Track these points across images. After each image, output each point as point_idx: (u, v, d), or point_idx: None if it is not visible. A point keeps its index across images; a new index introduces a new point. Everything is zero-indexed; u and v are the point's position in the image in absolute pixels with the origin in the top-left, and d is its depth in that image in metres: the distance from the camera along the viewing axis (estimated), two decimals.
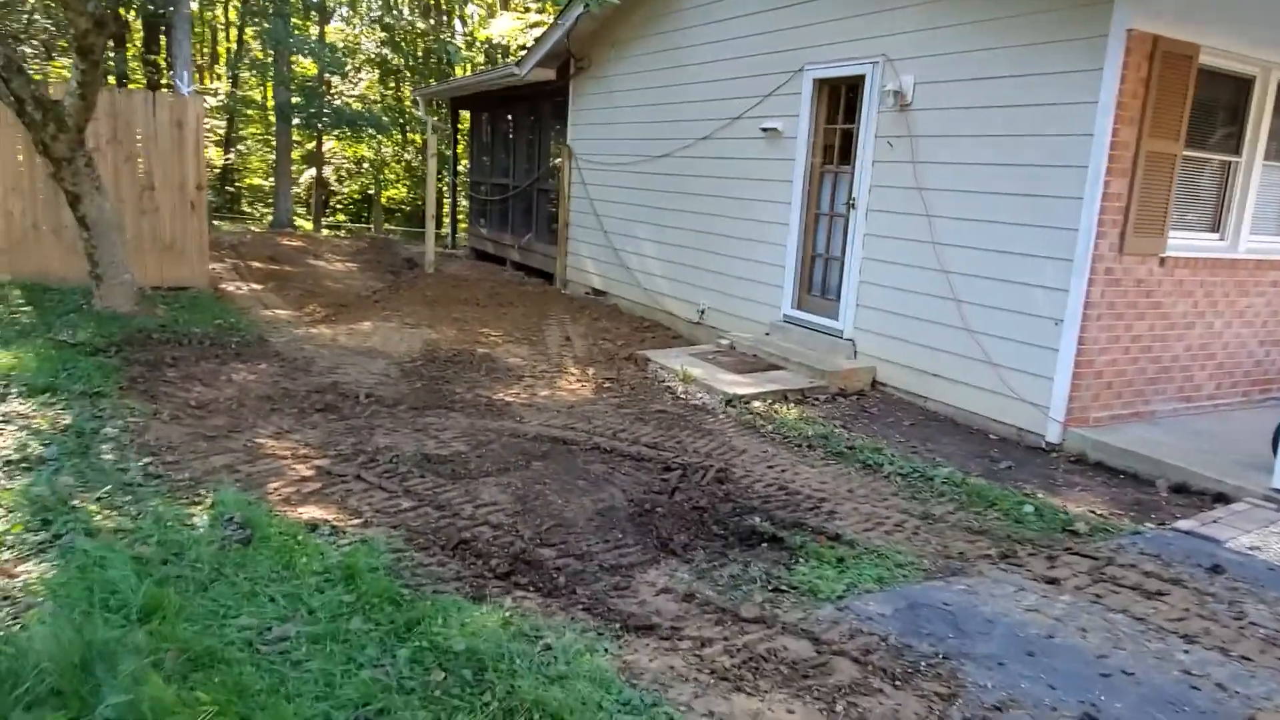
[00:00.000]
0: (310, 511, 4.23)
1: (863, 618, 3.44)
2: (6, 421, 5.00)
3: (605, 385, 7.16)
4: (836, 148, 7.65)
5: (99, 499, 4.05)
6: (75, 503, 3.97)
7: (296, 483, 4.59)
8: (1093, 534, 4.49)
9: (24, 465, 4.38)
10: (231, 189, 28.66)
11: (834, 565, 3.89)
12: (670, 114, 9.62)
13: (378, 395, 6.39)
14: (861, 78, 7.10)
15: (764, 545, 4.09)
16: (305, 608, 3.20)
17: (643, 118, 10.18)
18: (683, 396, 6.89)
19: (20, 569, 3.35)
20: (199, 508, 4.09)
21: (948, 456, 5.63)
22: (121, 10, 17.49)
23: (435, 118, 14.10)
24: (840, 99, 7.53)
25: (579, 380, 7.31)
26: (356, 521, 4.15)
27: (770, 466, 5.31)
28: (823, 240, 7.80)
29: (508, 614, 3.27)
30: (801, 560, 3.94)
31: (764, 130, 8.11)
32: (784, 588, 3.69)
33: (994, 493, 4.94)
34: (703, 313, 9.15)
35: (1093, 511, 4.84)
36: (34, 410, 5.22)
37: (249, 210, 29.08)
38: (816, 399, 6.84)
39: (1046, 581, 3.85)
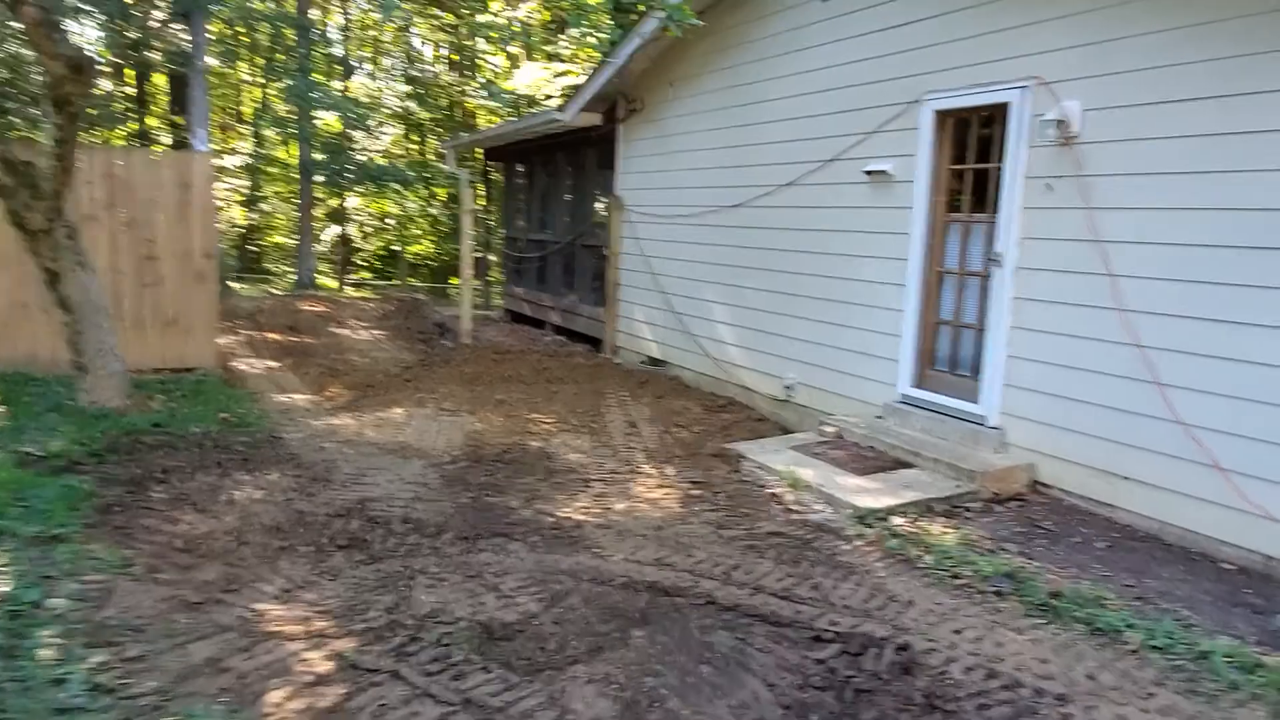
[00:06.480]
0: None
1: None
2: None
3: (694, 494, 5.75)
4: (966, 193, 6.29)
5: None
6: None
7: (308, 689, 3.21)
8: None
9: None
10: (254, 249, 27.87)
11: None
12: (744, 158, 8.32)
13: (415, 518, 5.03)
14: (1003, 106, 5.76)
15: None
16: None
17: (708, 163, 8.90)
18: (796, 509, 5.46)
19: None
20: None
21: (1186, 604, 4.14)
22: (128, 70, 16.64)
23: (467, 171, 12.95)
24: (970, 133, 6.19)
25: (659, 485, 5.91)
26: None
27: (958, 632, 3.85)
28: (949, 304, 6.40)
29: None
30: None
31: (868, 174, 6.77)
32: None
33: None
34: (790, 389, 7.75)
35: None
36: None
37: (272, 268, 28.22)
38: (969, 509, 5.38)
39: None
